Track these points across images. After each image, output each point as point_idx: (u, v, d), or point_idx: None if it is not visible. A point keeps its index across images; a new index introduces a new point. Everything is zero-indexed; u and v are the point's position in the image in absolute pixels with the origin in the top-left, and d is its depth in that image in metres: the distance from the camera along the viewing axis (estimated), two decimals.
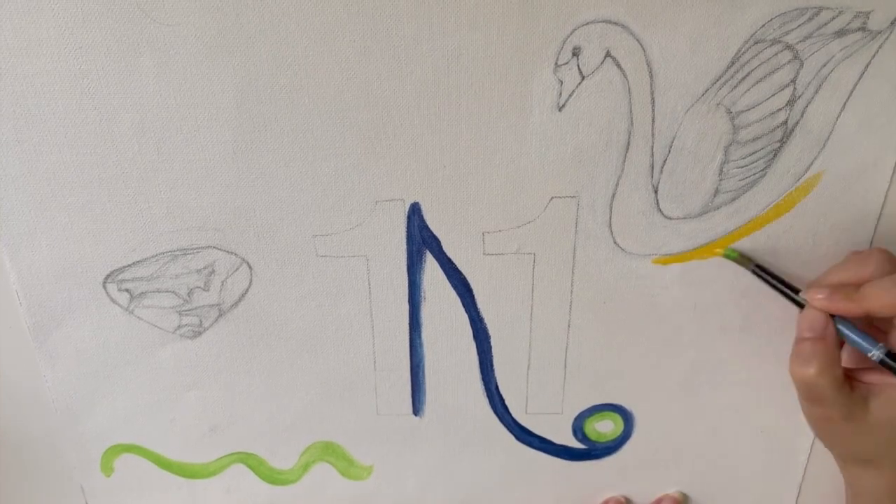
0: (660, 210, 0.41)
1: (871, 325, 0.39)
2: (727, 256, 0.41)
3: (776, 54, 0.37)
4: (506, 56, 0.37)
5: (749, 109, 0.38)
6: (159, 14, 0.36)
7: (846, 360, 0.40)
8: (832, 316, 0.38)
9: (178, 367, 0.46)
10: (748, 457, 0.50)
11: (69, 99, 0.38)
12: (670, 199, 0.41)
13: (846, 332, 0.38)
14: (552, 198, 0.41)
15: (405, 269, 0.43)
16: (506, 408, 0.48)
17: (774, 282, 0.40)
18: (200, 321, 0.45)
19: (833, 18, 0.36)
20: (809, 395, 0.39)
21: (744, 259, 0.41)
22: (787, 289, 0.40)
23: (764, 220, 0.41)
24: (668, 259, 0.42)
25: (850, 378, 0.39)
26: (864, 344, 0.37)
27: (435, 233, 0.42)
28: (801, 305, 0.39)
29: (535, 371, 0.47)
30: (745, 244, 0.42)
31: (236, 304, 0.44)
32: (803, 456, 0.49)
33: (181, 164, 0.40)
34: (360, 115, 0.39)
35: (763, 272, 0.41)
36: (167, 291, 0.44)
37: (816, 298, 0.38)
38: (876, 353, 0.37)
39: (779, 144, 0.39)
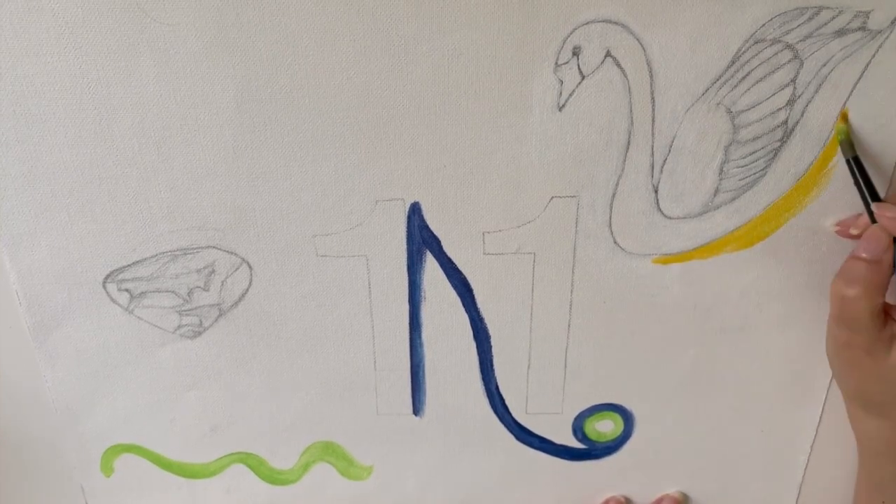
0: (660, 210, 0.41)
1: None
2: (838, 132, 0.38)
3: (776, 54, 0.37)
4: (506, 56, 0.37)
5: (749, 109, 0.38)
6: (159, 14, 0.36)
7: (889, 294, 0.38)
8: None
9: (178, 367, 0.46)
10: (748, 457, 0.50)
11: (69, 99, 0.38)
12: (670, 198, 0.41)
13: None
14: (552, 197, 0.41)
15: (405, 268, 0.43)
16: (506, 408, 0.48)
17: (862, 181, 0.37)
18: (200, 321, 0.45)
19: (833, 18, 0.36)
20: (842, 316, 0.38)
21: (847, 146, 0.38)
22: (870, 194, 0.37)
23: (764, 219, 0.41)
24: (668, 259, 0.42)
25: (886, 313, 0.38)
26: None
27: (435, 232, 0.42)
28: (872, 219, 0.37)
29: (536, 371, 0.47)
30: (744, 243, 0.42)
31: (236, 303, 0.44)
32: (803, 456, 0.49)
33: (181, 163, 0.40)
34: (360, 114, 0.39)
35: (857, 166, 0.38)
36: (167, 291, 0.44)
37: (886, 216, 0.36)
38: None
39: (779, 144, 0.39)
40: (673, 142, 0.39)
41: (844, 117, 0.38)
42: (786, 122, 0.38)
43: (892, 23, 0.36)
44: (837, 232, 0.41)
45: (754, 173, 0.40)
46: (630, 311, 0.44)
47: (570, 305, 0.44)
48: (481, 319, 0.45)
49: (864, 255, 0.37)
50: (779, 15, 0.36)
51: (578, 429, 0.49)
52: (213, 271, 0.43)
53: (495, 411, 0.48)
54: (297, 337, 0.46)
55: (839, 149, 0.38)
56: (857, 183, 0.38)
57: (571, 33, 0.36)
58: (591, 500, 0.52)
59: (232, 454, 0.50)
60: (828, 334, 0.40)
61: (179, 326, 0.45)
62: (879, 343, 0.37)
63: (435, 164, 0.40)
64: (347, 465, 0.51)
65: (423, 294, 0.44)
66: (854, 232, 0.39)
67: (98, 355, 0.46)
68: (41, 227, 0.42)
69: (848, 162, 0.38)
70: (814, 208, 0.41)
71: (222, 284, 0.44)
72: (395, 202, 0.41)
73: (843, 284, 0.37)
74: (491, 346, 0.46)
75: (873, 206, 0.37)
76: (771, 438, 0.49)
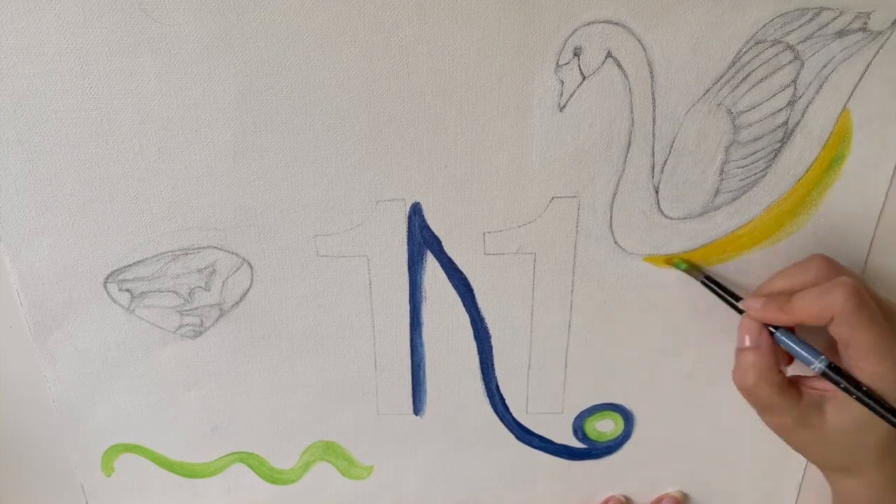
0: (660, 210, 0.41)
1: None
2: (677, 267, 0.42)
3: (777, 55, 0.37)
4: (507, 56, 0.37)
5: (750, 110, 0.38)
6: (160, 14, 0.36)
7: (796, 367, 0.40)
8: (778, 326, 0.38)
9: (178, 367, 0.46)
10: (748, 456, 0.50)
11: (70, 99, 0.38)
12: (671, 199, 0.41)
13: (789, 342, 0.38)
14: (553, 198, 0.41)
15: (406, 268, 0.43)
16: (506, 407, 0.48)
17: (720, 291, 0.41)
18: (201, 321, 0.45)
19: (834, 19, 0.36)
20: (755, 404, 0.39)
21: (693, 269, 0.42)
22: (730, 297, 0.40)
23: (765, 220, 0.41)
24: (668, 259, 0.43)
25: (799, 385, 0.39)
26: (806, 355, 0.37)
27: (436, 233, 0.42)
28: (741, 313, 0.39)
29: (536, 370, 0.47)
30: (745, 243, 0.42)
31: (237, 303, 0.44)
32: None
33: (182, 163, 0.40)
34: (361, 114, 0.39)
35: (711, 282, 0.41)
36: (168, 291, 0.44)
37: (752, 307, 0.38)
38: (817, 366, 0.37)
39: (779, 144, 0.39)
40: (674, 142, 0.39)
41: (671, 262, 0.42)
42: (786, 122, 0.38)
43: (893, 24, 0.36)
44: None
45: (755, 174, 0.40)
46: (630, 311, 0.44)
47: (571, 305, 0.44)
48: (482, 319, 0.45)
49: (746, 344, 0.39)
50: (780, 16, 0.36)
51: (579, 428, 0.49)
52: (214, 271, 0.43)
53: (496, 411, 0.48)
54: (297, 337, 0.46)
55: (848, 149, 0.39)
56: (719, 295, 0.41)
57: (572, 34, 0.36)
58: (591, 500, 0.52)
59: (232, 454, 0.50)
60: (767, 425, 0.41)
61: (180, 326, 0.45)
62: (808, 414, 0.38)
63: (436, 165, 0.40)
64: (348, 465, 0.51)
65: (423, 294, 0.44)
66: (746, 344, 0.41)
67: (99, 355, 0.46)
68: (42, 226, 0.42)
69: (703, 283, 0.41)
70: (814, 208, 0.41)
71: (223, 284, 0.44)
72: (396, 202, 0.41)
73: (738, 377, 0.39)
74: (491, 346, 0.46)
75: (740, 304, 0.39)
76: (771, 438, 0.48)
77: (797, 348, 0.38)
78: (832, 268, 0.38)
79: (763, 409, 0.39)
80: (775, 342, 0.38)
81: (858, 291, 0.35)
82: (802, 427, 0.38)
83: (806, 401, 0.38)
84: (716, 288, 0.41)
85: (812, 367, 0.37)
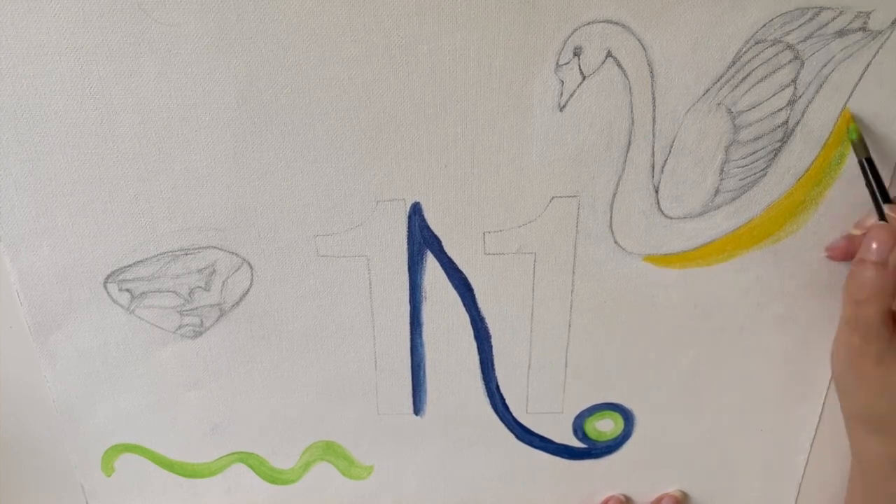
0: (660, 210, 0.41)
1: None
2: (849, 135, 0.38)
3: (777, 54, 0.37)
4: (507, 56, 0.37)
5: (750, 109, 0.38)
6: (160, 14, 0.36)
7: None
8: None
9: (179, 367, 0.46)
10: (748, 456, 0.50)
11: (70, 99, 0.38)
12: (671, 198, 0.41)
13: None
14: (553, 198, 0.41)
15: (406, 268, 0.43)
16: (506, 407, 0.48)
17: (874, 181, 0.37)
18: (201, 321, 0.45)
19: (834, 18, 0.36)
20: (852, 321, 0.36)
21: (860, 145, 0.37)
22: (882, 193, 0.36)
23: (764, 219, 0.41)
24: (668, 258, 0.43)
25: None
26: None
27: (436, 233, 0.42)
28: (883, 218, 0.36)
29: (536, 370, 0.47)
30: (745, 243, 0.42)
31: (237, 303, 0.44)
32: (803, 456, 0.49)
33: (182, 164, 0.40)
34: (361, 115, 0.39)
35: (870, 166, 0.37)
36: (168, 291, 0.44)
37: (895, 216, 0.35)
38: None
39: (779, 144, 0.39)
40: (674, 142, 0.39)
41: (852, 118, 0.38)
42: (786, 122, 0.38)
43: (893, 23, 0.36)
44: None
45: (755, 173, 0.40)
46: (630, 311, 0.44)
47: (571, 305, 0.44)
48: (482, 319, 0.45)
49: (871, 257, 0.36)
50: (780, 15, 0.36)
51: (579, 428, 0.49)
52: (214, 271, 0.43)
53: (496, 411, 0.48)
54: (297, 337, 0.46)
55: (847, 149, 0.38)
56: (868, 184, 0.37)
57: (572, 34, 0.36)
58: (591, 499, 0.52)
59: (232, 454, 0.50)
60: (837, 342, 0.39)
61: (180, 326, 0.45)
62: (889, 353, 0.36)
63: (436, 165, 0.40)
64: (348, 465, 0.51)
65: (423, 294, 0.44)
66: (856, 232, 0.39)
67: (99, 355, 0.46)
68: (42, 227, 0.42)
69: (861, 162, 0.38)
70: (814, 208, 0.41)
71: (223, 284, 0.44)
72: (396, 202, 0.41)
73: (853, 289, 0.36)
74: (491, 346, 0.46)
75: (885, 207, 0.36)
76: (770, 438, 0.49)
77: None
78: None
79: (854, 329, 0.37)
80: None
81: None
82: (876, 364, 0.36)
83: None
84: (872, 177, 0.37)
85: None
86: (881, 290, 0.35)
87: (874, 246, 0.36)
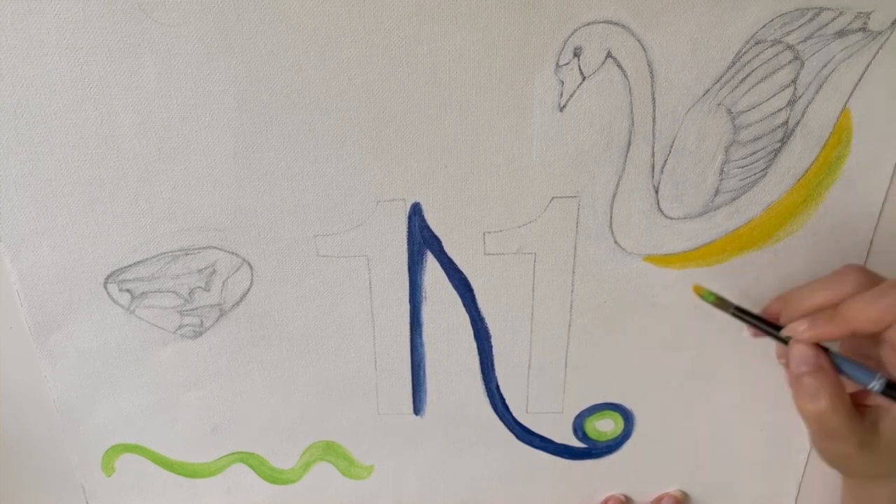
0: (660, 210, 0.41)
1: (860, 354, 0.38)
2: (704, 299, 0.40)
3: (777, 55, 0.37)
4: (507, 56, 0.37)
5: (750, 110, 0.38)
6: (160, 14, 0.36)
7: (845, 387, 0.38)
8: (824, 349, 0.37)
9: (179, 367, 0.46)
10: (748, 455, 0.50)
11: (70, 100, 0.38)
12: (671, 198, 0.41)
13: (841, 365, 0.36)
14: (553, 198, 0.41)
15: (406, 269, 0.43)
16: (506, 407, 0.48)
17: (755, 321, 0.39)
18: (201, 321, 0.45)
19: (834, 19, 0.36)
20: (824, 432, 0.37)
21: (722, 302, 0.40)
22: (769, 327, 0.39)
23: (764, 219, 0.41)
24: (668, 259, 0.43)
25: (857, 403, 0.37)
26: (862, 376, 0.36)
27: (436, 233, 0.42)
28: (785, 342, 0.38)
29: (536, 370, 0.47)
30: (745, 243, 0.42)
31: (237, 304, 0.44)
32: (803, 455, 0.49)
33: (182, 164, 0.40)
34: (361, 115, 0.39)
35: (743, 313, 0.39)
36: (168, 291, 0.44)
37: (800, 330, 0.37)
38: (876, 385, 0.35)
39: (779, 144, 0.39)
40: (674, 142, 0.39)
41: (700, 292, 0.40)
42: (786, 122, 0.38)
43: (893, 24, 0.36)
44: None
45: (755, 174, 0.40)
46: (630, 311, 0.44)
47: (571, 305, 0.44)
48: (482, 319, 0.45)
49: (804, 368, 0.36)
50: (780, 16, 0.36)
51: (579, 428, 0.49)
52: (215, 271, 0.43)
53: (496, 411, 0.48)
54: (297, 337, 0.46)
55: (848, 149, 0.38)
56: (755, 325, 0.39)
57: (572, 34, 0.36)
58: (591, 499, 0.52)
59: (233, 454, 0.50)
60: (816, 448, 0.39)
61: (180, 326, 0.45)
62: (867, 435, 0.36)
63: (436, 165, 0.40)
64: (348, 465, 0.51)
65: (423, 294, 0.44)
66: (781, 361, 0.40)
67: (99, 355, 0.46)
68: (42, 227, 0.42)
69: (735, 314, 0.39)
70: (814, 208, 0.41)
71: (223, 284, 0.44)
72: (396, 202, 0.41)
73: (808, 402, 0.36)
74: (491, 346, 0.46)
75: (783, 332, 0.38)
76: (770, 437, 0.49)
77: (852, 369, 0.36)
78: (870, 276, 0.36)
79: (829, 437, 0.36)
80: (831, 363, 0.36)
81: None
82: (860, 449, 0.36)
83: (867, 419, 0.36)
84: (751, 319, 0.39)
85: (870, 387, 0.35)
86: (833, 390, 0.36)
87: (800, 361, 0.37)
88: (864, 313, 0.34)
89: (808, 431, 0.38)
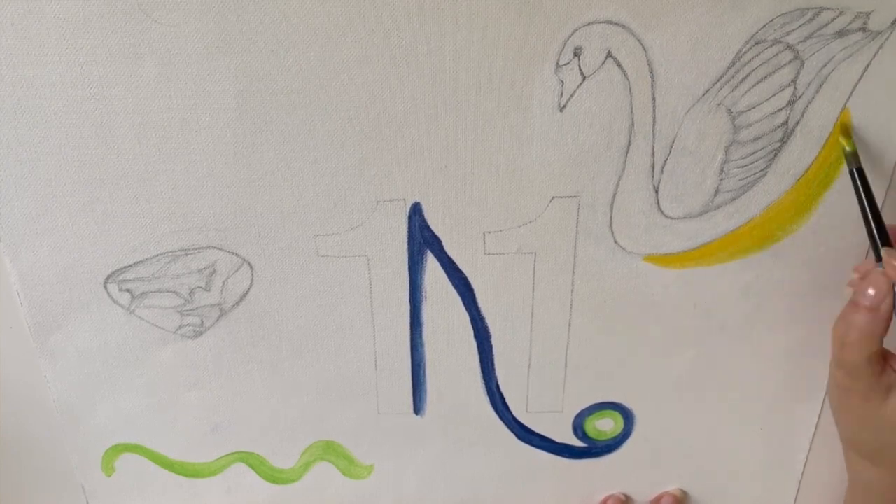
0: (660, 210, 0.41)
1: None
2: (844, 144, 0.38)
3: (777, 54, 0.37)
4: (507, 56, 0.37)
5: (750, 109, 0.38)
6: (160, 15, 0.36)
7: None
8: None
9: (179, 367, 0.46)
10: (748, 455, 0.50)
11: (70, 100, 0.38)
12: (671, 198, 0.41)
13: None
14: (553, 198, 0.41)
15: (406, 268, 0.43)
16: (506, 406, 0.48)
17: (873, 222, 0.36)
18: (202, 321, 0.45)
19: (834, 19, 0.36)
20: (841, 360, 0.37)
21: (855, 157, 0.37)
22: (880, 237, 0.36)
23: (764, 219, 0.41)
24: (668, 258, 0.43)
25: (886, 360, 0.37)
26: None
27: (436, 233, 0.42)
28: (878, 257, 0.36)
29: (536, 370, 0.47)
30: (745, 243, 0.42)
31: (237, 303, 0.44)
32: (802, 454, 0.49)
33: (182, 164, 0.40)
34: (361, 115, 0.39)
35: (861, 179, 0.37)
36: (168, 291, 0.44)
37: (892, 265, 0.35)
38: None
39: (779, 144, 0.39)
40: (674, 142, 0.39)
41: (848, 130, 0.38)
42: (786, 122, 0.38)
43: (893, 24, 0.36)
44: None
45: (754, 173, 0.40)
46: (630, 311, 0.44)
47: (571, 305, 0.44)
48: (482, 319, 0.45)
49: (865, 303, 0.36)
50: (780, 16, 0.36)
51: (579, 427, 0.49)
52: (215, 271, 0.43)
53: (496, 410, 0.48)
54: (297, 337, 0.46)
55: (845, 158, 0.38)
56: (867, 224, 0.37)
57: (572, 34, 0.36)
58: (591, 498, 0.52)
59: (233, 453, 0.50)
60: (829, 377, 0.40)
61: (180, 326, 0.45)
62: (875, 390, 0.37)
63: (436, 165, 0.40)
64: (348, 465, 0.51)
65: (423, 294, 0.44)
66: (856, 275, 0.39)
67: (99, 355, 0.46)
68: (42, 227, 0.42)
69: (851, 173, 0.38)
70: (814, 208, 0.41)
71: (223, 284, 0.44)
72: (396, 202, 0.41)
73: (843, 331, 0.37)
74: (491, 346, 0.46)
75: (883, 251, 0.36)
76: (770, 437, 0.49)
77: None
78: None
79: (841, 365, 0.37)
80: (892, 309, 0.36)
81: None
82: (864, 400, 0.37)
83: (884, 378, 0.37)
84: (871, 217, 0.36)
85: None
86: (869, 335, 0.36)
87: (870, 292, 0.36)
88: None
89: (830, 355, 0.38)
